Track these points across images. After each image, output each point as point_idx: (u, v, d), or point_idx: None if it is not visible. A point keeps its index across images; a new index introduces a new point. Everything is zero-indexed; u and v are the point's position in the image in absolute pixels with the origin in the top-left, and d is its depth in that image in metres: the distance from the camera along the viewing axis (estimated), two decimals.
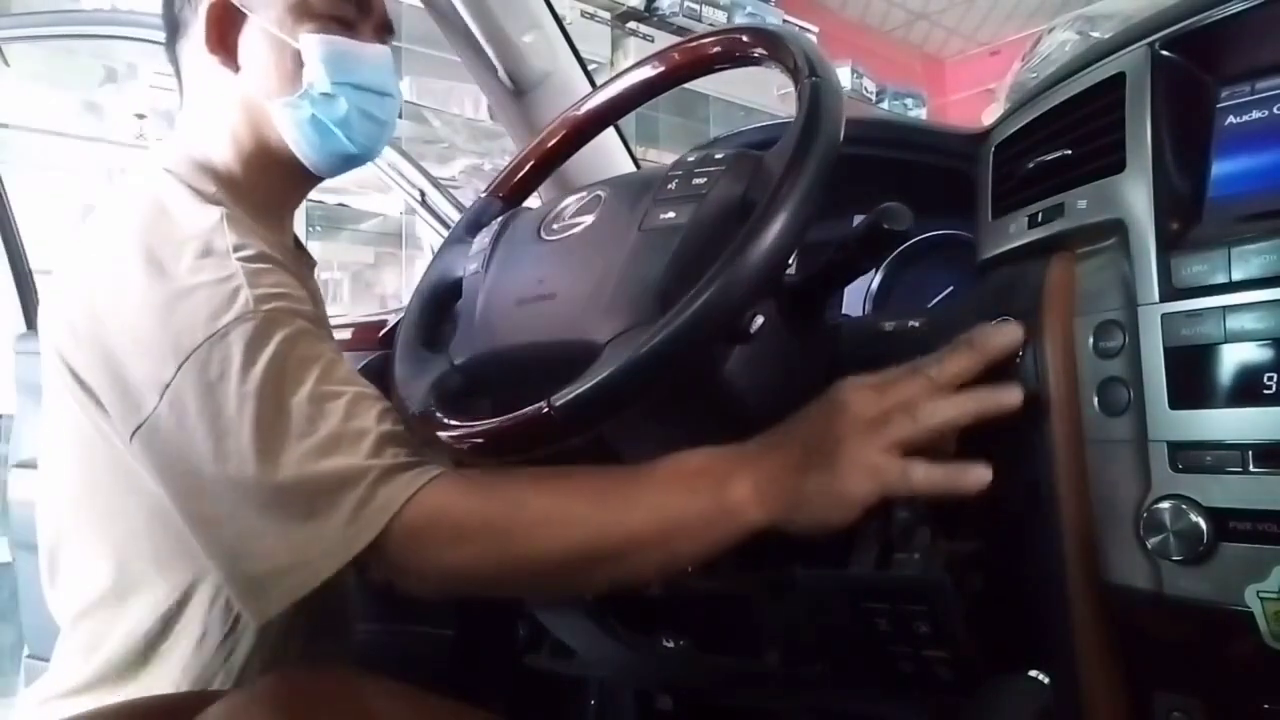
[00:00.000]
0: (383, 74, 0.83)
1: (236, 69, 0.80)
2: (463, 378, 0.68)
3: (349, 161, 0.85)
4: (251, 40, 0.79)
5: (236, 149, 0.82)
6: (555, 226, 0.68)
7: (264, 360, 0.64)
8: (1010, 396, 0.58)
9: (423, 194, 1.27)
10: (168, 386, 0.65)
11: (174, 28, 0.84)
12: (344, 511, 0.61)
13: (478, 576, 0.65)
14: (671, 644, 0.92)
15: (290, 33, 0.78)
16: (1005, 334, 0.59)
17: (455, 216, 1.25)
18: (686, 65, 0.72)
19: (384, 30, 0.86)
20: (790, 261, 0.59)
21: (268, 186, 0.83)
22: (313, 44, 0.78)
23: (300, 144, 0.81)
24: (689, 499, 0.60)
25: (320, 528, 0.61)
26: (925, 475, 0.58)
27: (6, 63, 1.74)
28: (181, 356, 0.65)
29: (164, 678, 0.74)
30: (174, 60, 0.86)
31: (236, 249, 0.70)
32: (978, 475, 0.57)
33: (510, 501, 0.63)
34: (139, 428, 0.66)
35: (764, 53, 0.65)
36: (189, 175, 0.78)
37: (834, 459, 0.58)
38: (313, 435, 0.63)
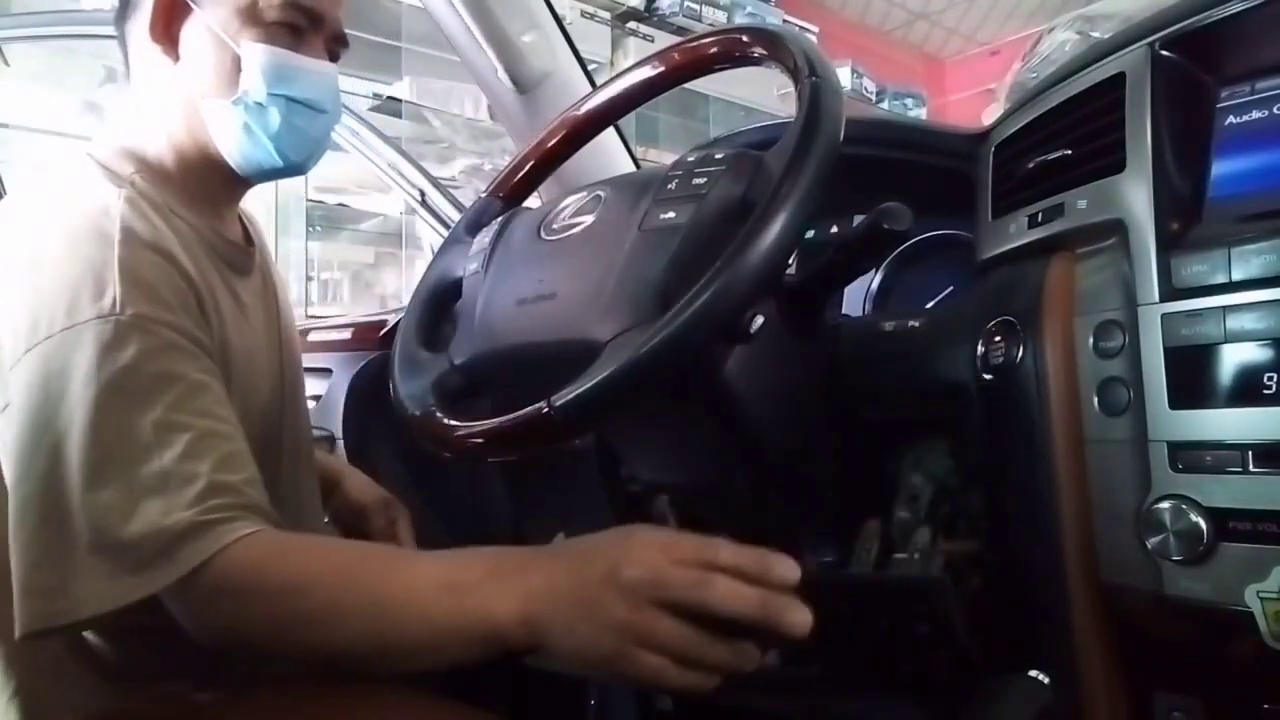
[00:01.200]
0: (322, 90, 0.81)
1: (176, 60, 0.78)
2: (463, 378, 0.68)
3: (276, 173, 0.83)
4: (195, 35, 0.77)
5: (169, 139, 0.80)
6: (555, 226, 0.68)
7: (115, 369, 0.62)
8: (798, 617, 0.54)
9: (423, 194, 1.27)
10: (12, 368, 0.63)
11: (124, 5, 0.82)
12: (134, 558, 0.59)
13: (262, 644, 0.64)
14: None
15: (234, 36, 0.76)
16: (788, 571, 0.55)
17: (455, 216, 1.25)
18: (686, 65, 0.72)
19: (335, 43, 0.84)
20: (790, 261, 0.59)
21: (199, 180, 0.81)
22: (253, 52, 0.76)
23: (229, 147, 0.79)
24: (458, 615, 0.58)
25: (103, 566, 0.59)
26: (660, 661, 0.54)
27: (6, 63, 1.74)
28: (33, 342, 0.63)
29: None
30: (122, 39, 0.84)
31: (125, 234, 0.67)
32: (710, 681, 0.55)
33: (298, 584, 0.61)
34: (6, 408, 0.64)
35: (764, 53, 0.65)
36: (108, 158, 0.77)
37: (596, 608, 0.54)
38: (143, 465, 0.61)
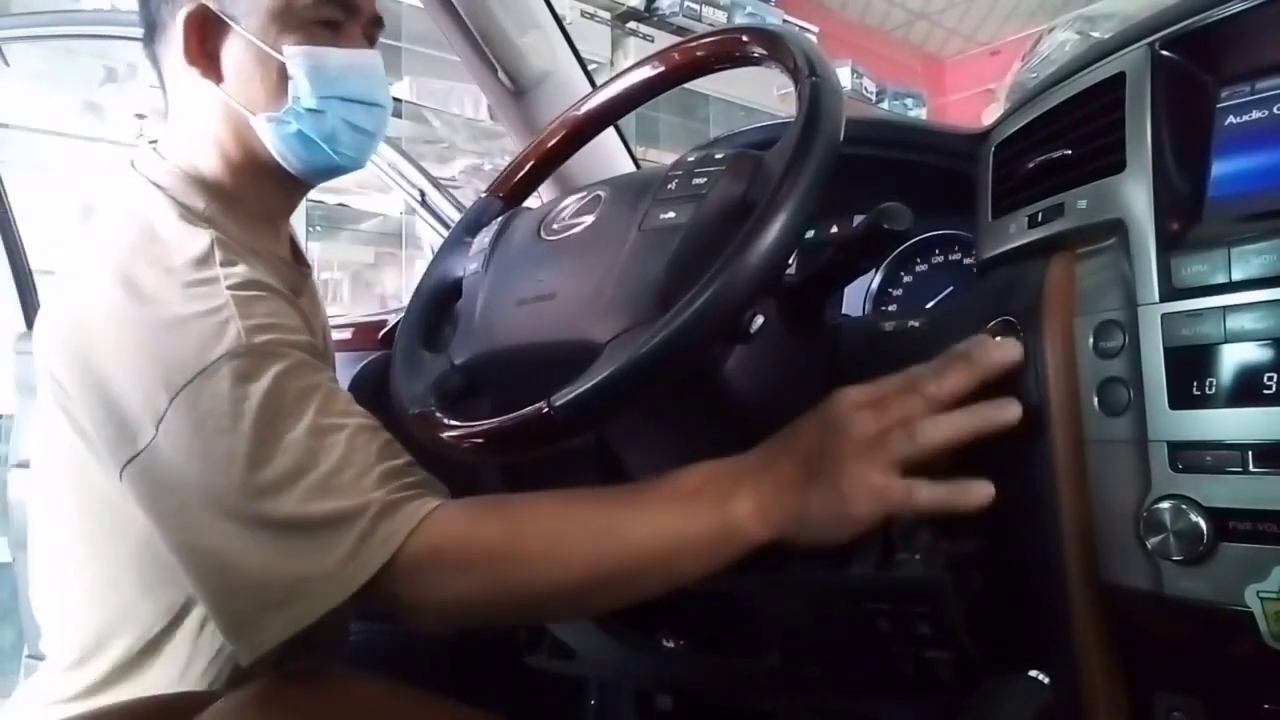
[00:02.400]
0: (371, 84, 0.80)
1: (219, 79, 0.77)
2: (463, 378, 0.68)
3: (336, 171, 0.83)
4: (234, 50, 0.76)
5: (224, 160, 0.79)
6: (555, 226, 0.68)
7: (258, 395, 0.63)
8: (1009, 413, 0.57)
9: (423, 194, 1.27)
10: (160, 420, 0.64)
11: (151, 27, 0.81)
12: (344, 548, 0.60)
13: (478, 607, 0.65)
14: (671, 644, 0.92)
15: (274, 43, 0.75)
16: (1005, 350, 0.58)
17: (455, 216, 1.25)
18: (686, 65, 0.72)
19: (373, 26, 0.82)
20: (790, 261, 0.59)
21: (259, 196, 0.81)
22: (298, 56, 0.75)
23: (286, 157, 0.79)
24: (690, 519, 0.59)
25: (318, 564, 0.61)
26: (929, 495, 0.57)
27: (6, 63, 1.74)
28: (173, 391, 0.64)
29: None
30: (153, 60, 0.83)
31: (227, 276, 0.69)
32: (980, 492, 0.57)
33: (511, 532, 0.62)
34: (130, 460, 0.65)
35: (764, 53, 0.65)
36: (178, 191, 0.76)
37: (837, 480, 0.57)
38: (315, 470, 0.62)
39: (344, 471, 0.63)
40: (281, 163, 0.79)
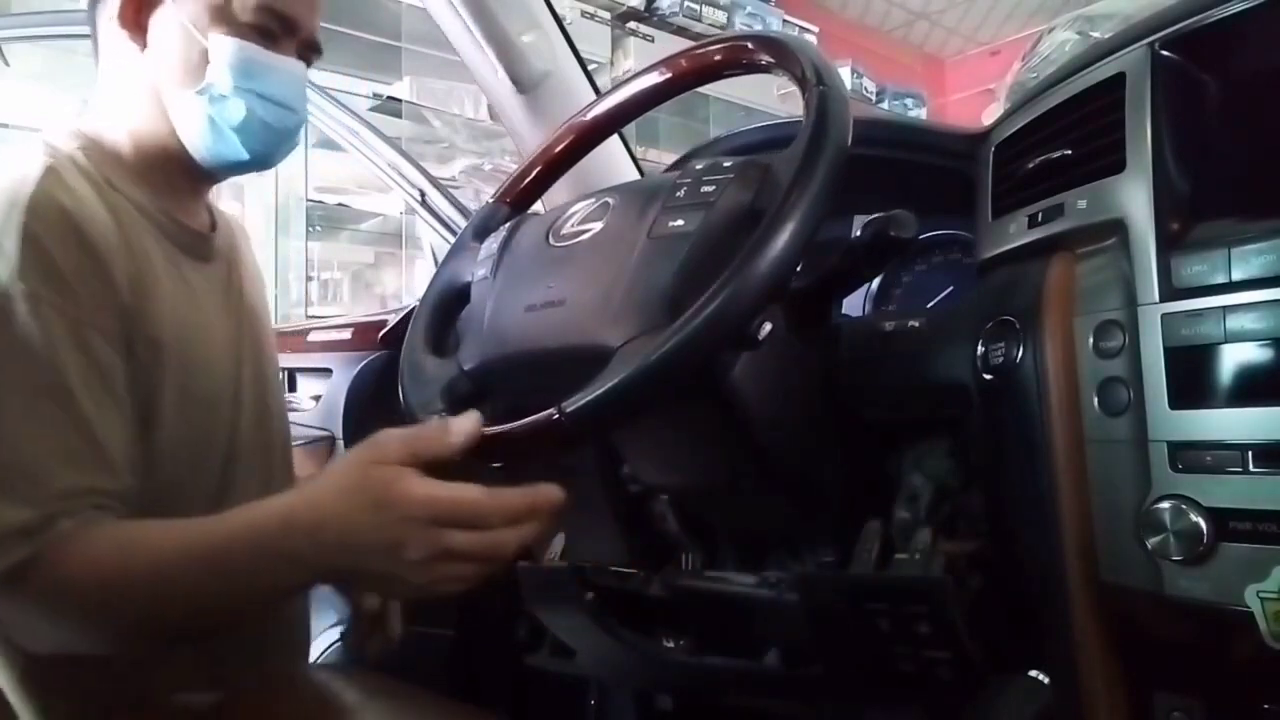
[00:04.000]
0: (290, 88, 0.81)
1: (143, 47, 0.78)
2: (471, 383, 0.68)
3: (241, 166, 0.82)
4: (164, 24, 0.77)
5: (129, 125, 0.80)
6: (564, 233, 0.68)
7: None
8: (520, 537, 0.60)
9: (423, 194, 1.27)
10: None
11: None
12: None
13: (86, 645, 0.66)
14: (671, 644, 0.92)
15: (203, 30, 0.76)
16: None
17: (455, 217, 1.25)
18: (693, 72, 0.73)
19: (309, 50, 0.84)
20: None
21: (158, 168, 0.80)
22: (222, 45, 0.76)
23: (192, 139, 0.79)
24: (284, 577, 0.62)
25: None
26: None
27: (6, 63, 1.74)
28: None
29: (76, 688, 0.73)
30: (92, 24, 0.83)
31: (34, 200, 0.66)
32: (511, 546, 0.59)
33: (123, 577, 0.62)
34: None
35: (771, 61, 0.65)
36: (57, 138, 0.76)
37: (395, 577, 0.59)
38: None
39: (19, 472, 0.62)
40: (188, 146, 0.79)
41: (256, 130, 0.79)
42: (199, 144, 0.79)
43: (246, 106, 0.77)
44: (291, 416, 1.30)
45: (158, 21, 0.77)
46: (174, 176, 0.82)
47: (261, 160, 0.83)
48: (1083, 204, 0.59)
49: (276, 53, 0.79)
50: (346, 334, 1.32)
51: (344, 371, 1.28)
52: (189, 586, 0.61)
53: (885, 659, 0.68)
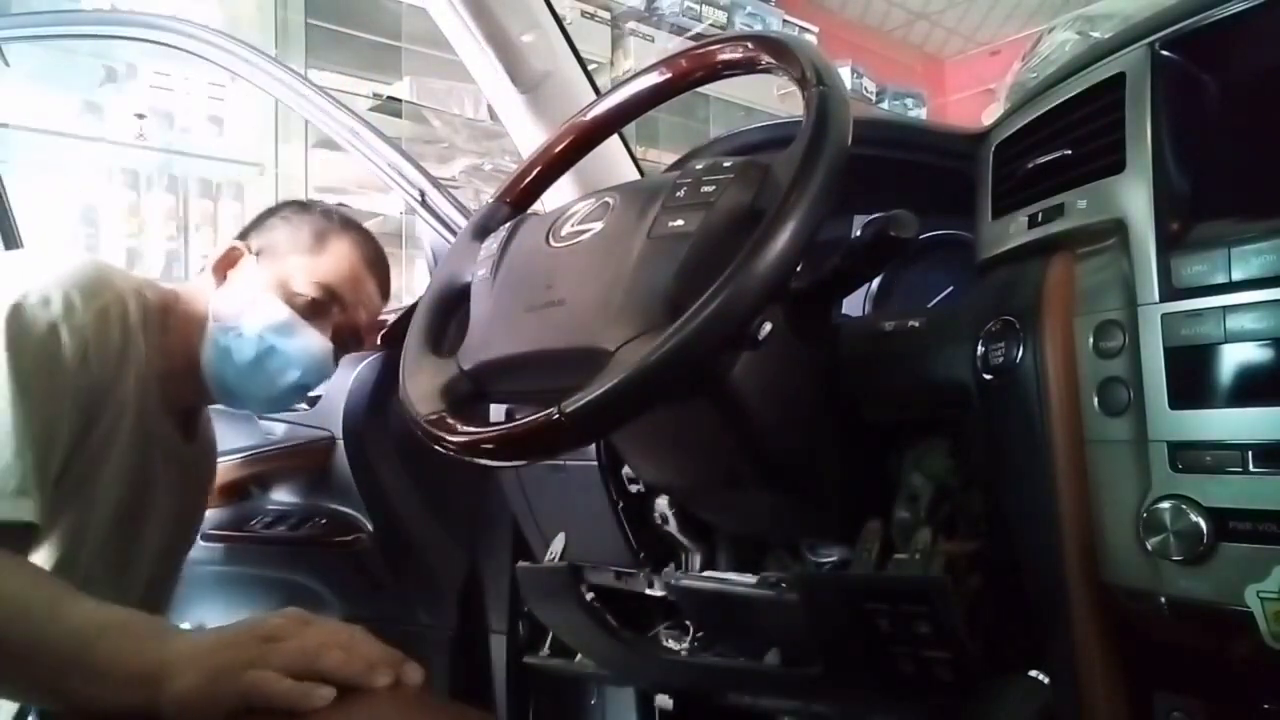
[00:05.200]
0: (305, 355, 0.96)
1: (218, 285, 0.97)
2: (471, 383, 0.68)
3: (235, 400, 0.98)
4: (240, 275, 0.97)
5: (183, 320, 0.95)
6: (564, 233, 0.68)
7: None
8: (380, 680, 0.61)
9: (423, 194, 1.26)
10: None
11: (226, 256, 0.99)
12: None
13: None
14: (671, 644, 0.92)
15: (264, 289, 0.95)
16: (381, 677, 0.61)
17: (456, 216, 1.24)
18: (693, 72, 0.73)
19: (349, 336, 1.02)
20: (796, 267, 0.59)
21: (179, 373, 0.94)
22: (268, 302, 0.94)
23: (207, 356, 0.94)
24: (118, 693, 0.61)
25: None
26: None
27: (6, 63, 1.74)
28: None
29: None
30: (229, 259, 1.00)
31: (90, 294, 0.79)
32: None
33: None
34: None
35: (772, 61, 0.65)
36: (142, 296, 0.89)
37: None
38: None
39: None
40: (203, 364, 0.94)
41: (256, 374, 0.94)
42: (209, 362, 0.94)
43: (257, 351, 0.93)
44: (292, 416, 1.31)
45: (238, 272, 0.97)
46: (180, 380, 0.94)
47: (251, 398, 0.99)
48: (1083, 204, 0.59)
49: (314, 326, 0.96)
50: None
51: (344, 371, 1.27)
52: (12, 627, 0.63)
53: (885, 659, 0.68)
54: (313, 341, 0.96)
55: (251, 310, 0.94)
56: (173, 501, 0.98)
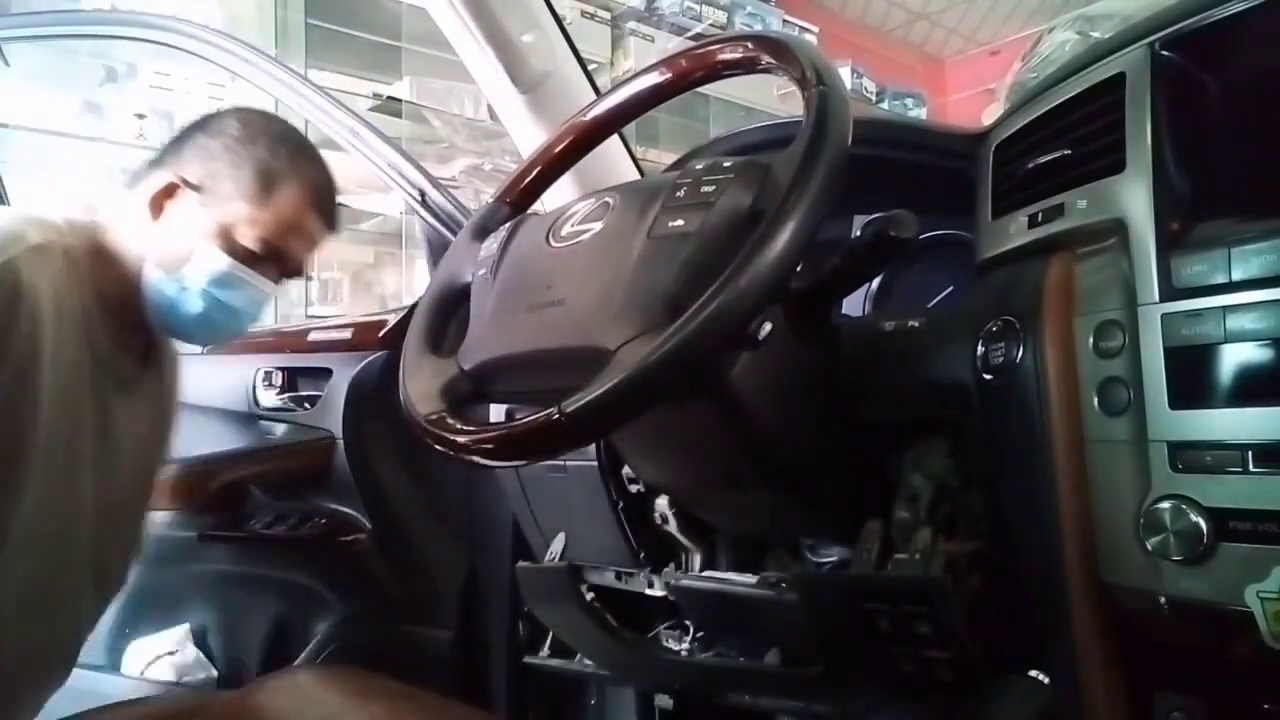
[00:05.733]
0: (252, 304, 0.94)
1: (154, 220, 0.90)
2: (471, 383, 0.68)
3: (180, 337, 0.97)
4: (179, 212, 0.90)
5: (115, 259, 0.91)
6: (564, 233, 0.68)
7: None
8: None
9: (423, 194, 1.27)
10: None
11: (160, 156, 0.95)
12: None
13: None
14: (671, 644, 0.92)
15: (205, 237, 0.89)
16: None
17: (456, 216, 1.25)
18: (693, 72, 0.73)
19: (294, 275, 0.97)
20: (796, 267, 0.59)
21: (119, 307, 0.90)
22: (212, 256, 0.89)
23: (152, 304, 0.90)
24: None
25: None
26: None
27: (7, 63, 1.74)
28: None
29: None
30: (155, 166, 0.94)
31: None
32: None
33: None
34: None
35: (771, 61, 0.65)
36: (67, 225, 0.88)
37: None
38: None
39: None
40: (147, 307, 0.91)
41: (204, 324, 0.92)
42: (155, 310, 0.91)
43: (205, 305, 0.90)
44: (292, 416, 1.31)
45: (175, 208, 0.90)
46: (125, 309, 0.91)
47: (199, 341, 1.00)
48: (1083, 204, 0.59)
49: (259, 273, 0.92)
50: (346, 334, 1.32)
51: (344, 371, 1.28)
52: None
53: (885, 659, 0.68)
54: (258, 291, 0.93)
55: (195, 262, 0.89)
56: (136, 427, 0.96)
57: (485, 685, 1.21)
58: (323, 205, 0.96)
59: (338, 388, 1.26)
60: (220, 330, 0.94)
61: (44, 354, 0.79)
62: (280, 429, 1.33)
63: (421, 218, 1.29)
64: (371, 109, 3.02)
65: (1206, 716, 0.56)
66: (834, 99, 0.58)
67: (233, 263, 0.90)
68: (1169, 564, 0.52)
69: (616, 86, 0.78)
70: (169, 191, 0.90)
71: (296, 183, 0.93)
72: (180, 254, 0.89)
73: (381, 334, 1.26)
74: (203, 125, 0.95)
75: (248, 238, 0.90)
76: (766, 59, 0.65)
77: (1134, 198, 0.56)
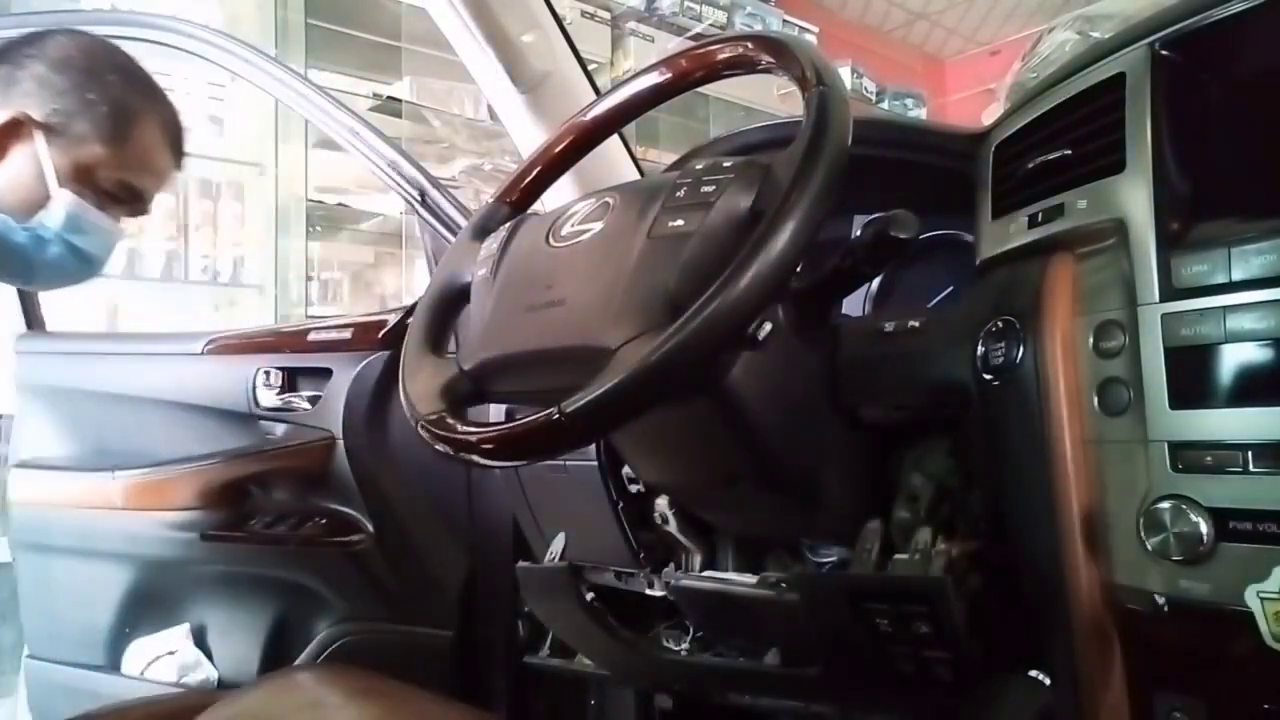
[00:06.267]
0: (104, 248, 0.90)
1: None
2: (471, 383, 0.68)
3: (16, 283, 0.96)
4: (23, 154, 0.84)
5: None
6: (564, 233, 0.68)
7: None
8: None
9: (422, 194, 1.27)
10: None
11: None
12: None
13: None
14: (671, 644, 0.92)
15: (59, 179, 0.84)
16: None
17: (456, 216, 1.25)
18: (693, 72, 0.73)
19: (141, 214, 0.95)
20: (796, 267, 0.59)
21: None
22: (67, 200, 0.84)
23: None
24: None
25: None
26: None
27: None
28: None
29: None
30: None
31: None
32: None
33: None
34: None
35: (771, 61, 0.65)
36: None
37: None
38: None
39: None
40: None
41: (56, 271, 0.89)
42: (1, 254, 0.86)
43: (60, 253, 0.86)
44: (292, 416, 1.31)
45: (19, 150, 0.84)
46: None
47: (41, 288, 1.00)
48: (1083, 204, 0.59)
49: (110, 214, 0.89)
50: (346, 334, 1.32)
51: (344, 371, 1.28)
52: None
53: (885, 659, 0.68)
54: (111, 235, 0.91)
55: (50, 208, 0.84)
56: None
57: (485, 685, 1.22)
58: (176, 140, 0.93)
59: (338, 388, 1.26)
60: (70, 278, 0.91)
61: None
62: (280, 429, 1.33)
63: (421, 218, 1.29)
64: (371, 109, 3.01)
65: (1206, 716, 0.56)
66: (834, 99, 0.58)
67: (89, 207, 0.85)
68: (1169, 564, 0.52)
69: (616, 86, 0.78)
70: (11, 129, 0.84)
71: (152, 120, 0.89)
72: (28, 198, 0.84)
73: (381, 334, 1.26)
74: (36, 53, 0.88)
75: (107, 180, 0.86)
76: (766, 59, 0.65)
77: (1134, 198, 0.56)
